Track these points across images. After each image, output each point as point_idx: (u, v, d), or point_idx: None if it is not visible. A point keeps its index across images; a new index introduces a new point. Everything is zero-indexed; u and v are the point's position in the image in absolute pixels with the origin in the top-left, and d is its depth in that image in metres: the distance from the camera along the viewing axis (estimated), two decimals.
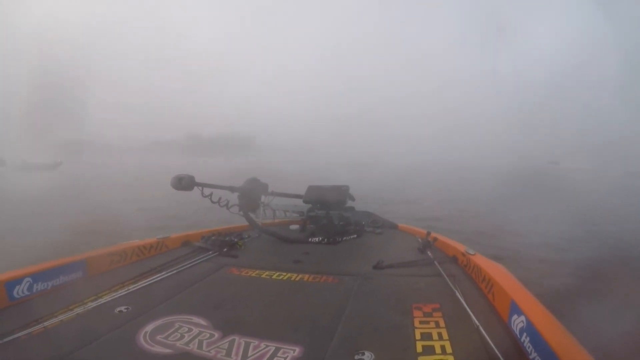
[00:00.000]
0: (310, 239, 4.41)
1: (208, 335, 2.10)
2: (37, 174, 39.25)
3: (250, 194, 4.68)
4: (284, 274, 3.15)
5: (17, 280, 2.56)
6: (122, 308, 2.46)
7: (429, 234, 3.97)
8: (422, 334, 2.04)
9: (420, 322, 2.17)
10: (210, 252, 3.77)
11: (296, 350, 1.92)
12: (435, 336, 2.00)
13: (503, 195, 19.26)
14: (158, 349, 1.96)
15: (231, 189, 4.43)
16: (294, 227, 5.16)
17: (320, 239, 4.39)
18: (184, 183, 3.95)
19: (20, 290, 2.56)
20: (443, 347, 1.89)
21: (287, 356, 1.88)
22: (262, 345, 1.97)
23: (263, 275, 3.14)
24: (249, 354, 1.90)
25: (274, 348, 1.94)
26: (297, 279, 3.06)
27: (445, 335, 2.00)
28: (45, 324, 2.20)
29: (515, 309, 1.99)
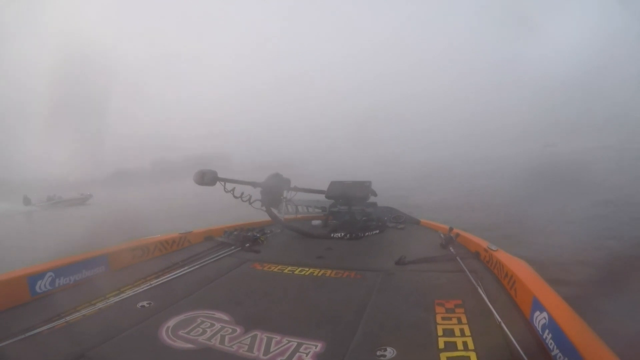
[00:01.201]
0: (332, 235, 4.36)
1: (230, 330, 2.07)
2: (67, 210, 36.31)
3: (273, 190, 4.67)
4: (307, 269, 3.12)
5: (40, 275, 2.59)
6: (145, 303, 2.47)
7: (451, 229, 3.90)
8: (444, 330, 1.98)
9: (443, 318, 2.11)
10: (233, 247, 3.77)
11: (318, 346, 1.88)
12: (457, 332, 1.95)
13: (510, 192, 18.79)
14: (180, 344, 1.95)
15: (254, 184, 4.44)
16: (316, 222, 5.11)
17: (343, 234, 4.33)
18: (206, 178, 3.97)
19: (42, 285, 2.59)
20: (465, 344, 1.84)
21: (310, 352, 1.84)
22: (284, 340, 1.93)
23: (285, 271, 3.12)
24: (271, 349, 1.87)
25: (296, 343, 1.90)
26: (320, 274, 3.02)
27: (467, 332, 1.95)
28: (68, 318, 2.22)
29: (538, 305, 1.93)
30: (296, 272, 3.09)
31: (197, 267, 3.22)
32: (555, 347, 1.65)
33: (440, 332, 1.97)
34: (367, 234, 4.40)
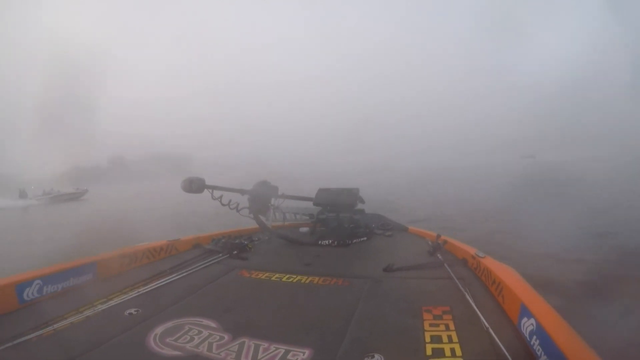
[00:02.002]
0: (320, 242, 4.39)
1: (218, 337, 2.09)
2: (66, 205, 35.38)
3: (261, 197, 4.68)
4: (294, 276, 3.13)
5: (28, 283, 2.58)
6: (132, 310, 2.47)
7: (439, 236, 3.94)
8: (432, 336, 2.01)
9: (430, 325, 2.14)
10: (221, 255, 3.78)
11: (306, 353, 1.90)
12: (445, 339, 1.98)
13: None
14: (168, 351, 1.96)
15: (241, 191, 4.44)
16: (304, 229, 5.13)
17: (331, 241, 4.36)
18: (194, 186, 3.97)
19: (30, 293, 2.58)
20: (453, 350, 1.87)
21: (297, 358, 1.86)
22: (272, 347, 1.95)
23: (273, 278, 3.13)
24: (259, 356, 1.89)
25: (283, 350, 1.92)
26: (307, 281, 3.04)
27: (455, 338, 1.98)
28: (55, 326, 2.21)
29: (525, 312, 1.96)
30: (284, 279, 3.11)
31: (184, 274, 3.21)
32: (542, 353, 1.68)
33: (428, 339, 1.99)
34: (354, 241, 4.42)
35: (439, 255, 3.52)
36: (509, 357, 1.72)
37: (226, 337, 2.09)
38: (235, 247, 3.94)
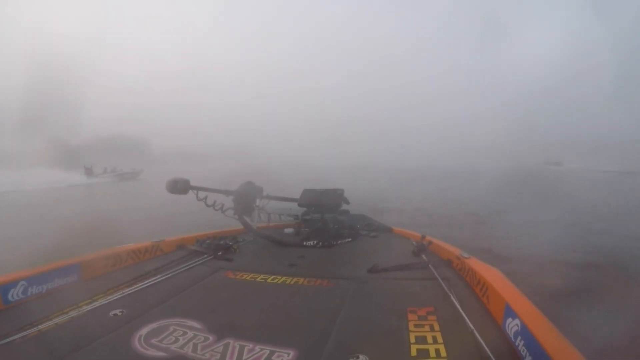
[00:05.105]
0: (305, 243, 4.42)
1: (203, 338, 2.10)
2: (131, 184, 36.92)
3: (245, 198, 4.67)
4: (279, 277, 3.16)
5: (12, 284, 2.56)
6: (117, 311, 2.46)
7: (423, 237, 3.98)
8: (416, 337, 2.05)
9: (415, 326, 2.18)
10: (205, 256, 3.78)
11: (291, 354, 1.93)
12: (429, 340, 2.02)
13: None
14: (152, 352, 1.97)
15: (226, 192, 4.43)
16: (288, 230, 5.16)
17: (315, 242, 4.39)
18: (178, 186, 3.94)
19: (15, 294, 2.56)
20: (437, 351, 1.90)
21: (282, 359, 1.89)
22: (257, 348, 1.98)
23: (258, 279, 3.15)
24: (244, 357, 1.91)
25: (268, 351, 1.95)
26: (292, 282, 3.06)
27: (439, 339, 2.01)
28: (40, 327, 2.20)
29: (510, 313, 2.00)
30: (269, 280, 3.12)
31: (169, 275, 3.21)
32: (527, 353, 1.72)
33: (412, 340, 2.02)
34: (339, 242, 4.46)
35: (423, 256, 3.56)
36: (493, 357, 1.75)
37: (211, 338, 2.11)
38: (220, 248, 3.94)
